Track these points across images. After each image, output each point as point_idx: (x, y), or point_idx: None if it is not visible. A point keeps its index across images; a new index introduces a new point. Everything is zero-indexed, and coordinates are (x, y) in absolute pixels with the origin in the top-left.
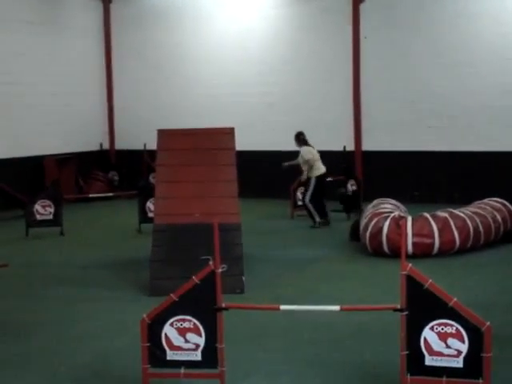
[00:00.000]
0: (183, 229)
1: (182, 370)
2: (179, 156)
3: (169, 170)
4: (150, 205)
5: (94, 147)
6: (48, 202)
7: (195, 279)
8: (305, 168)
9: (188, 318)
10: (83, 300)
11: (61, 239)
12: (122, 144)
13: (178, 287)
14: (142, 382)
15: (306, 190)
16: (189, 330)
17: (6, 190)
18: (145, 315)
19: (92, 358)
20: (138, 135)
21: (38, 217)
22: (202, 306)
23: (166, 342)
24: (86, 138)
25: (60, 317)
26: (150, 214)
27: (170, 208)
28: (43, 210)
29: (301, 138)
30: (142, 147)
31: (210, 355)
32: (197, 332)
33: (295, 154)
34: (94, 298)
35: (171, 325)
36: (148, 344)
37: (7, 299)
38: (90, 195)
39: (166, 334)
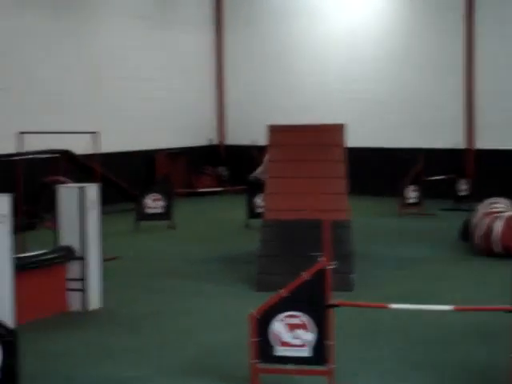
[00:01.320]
0: (292, 225)
1: (291, 366)
2: (289, 152)
3: (279, 165)
4: (258, 200)
5: (204, 142)
6: (158, 196)
7: (305, 276)
8: None
9: (297, 314)
10: (192, 293)
11: (170, 233)
12: (231, 139)
13: (285, 283)
14: (250, 377)
15: None
16: (298, 326)
17: (118, 184)
18: (254, 310)
19: (201, 351)
20: (247, 131)
21: (149, 210)
22: (312, 302)
23: (275, 338)
24: (196, 133)
25: (169, 310)
26: (258, 210)
27: (280, 204)
28: (154, 203)
29: None
30: (251, 143)
31: (320, 352)
32: (306, 328)
33: (405, 151)
34: (203, 291)
35: (280, 320)
36: (257, 339)
37: (117, 292)
38: (200, 190)
39: (274, 330)
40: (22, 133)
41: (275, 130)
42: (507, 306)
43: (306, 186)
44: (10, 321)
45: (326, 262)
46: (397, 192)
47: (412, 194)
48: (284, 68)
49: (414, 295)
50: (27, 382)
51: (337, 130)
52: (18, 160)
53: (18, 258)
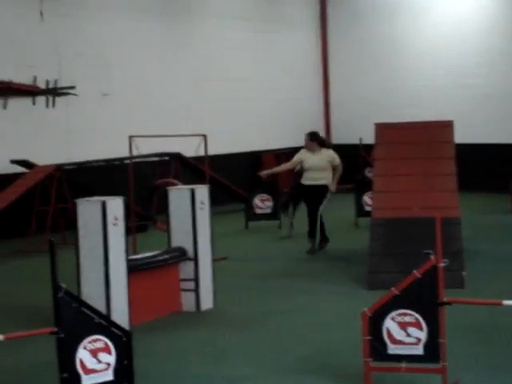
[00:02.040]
0: (402, 223)
1: (404, 364)
2: (397, 150)
3: (387, 163)
4: (366, 199)
5: None
6: (267, 196)
7: (416, 273)
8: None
9: (409, 312)
10: (302, 292)
11: (279, 232)
12: (337, 138)
13: (395, 281)
14: (363, 376)
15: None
16: (410, 324)
17: (227, 185)
18: (366, 309)
19: (312, 350)
20: (353, 129)
21: (258, 210)
22: (424, 300)
23: (388, 336)
24: (302, 133)
25: (281, 309)
26: (367, 208)
27: (389, 202)
28: (262, 204)
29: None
30: (357, 141)
31: (432, 350)
32: (418, 326)
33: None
34: (313, 290)
35: (392, 319)
36: (369, 337)
37: (229, 292)
38: None
39: (387, 328)
40: (132, 136)
41: (382, 128)
42: None
43: (415, 183)
44: (124, 322)
45: (438, 260)
46: (508, 188)
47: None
48: (390, 65)
49: None
50: (142, 382)
51: (446, 126)
52: (130, 163)
53: (132, 260)
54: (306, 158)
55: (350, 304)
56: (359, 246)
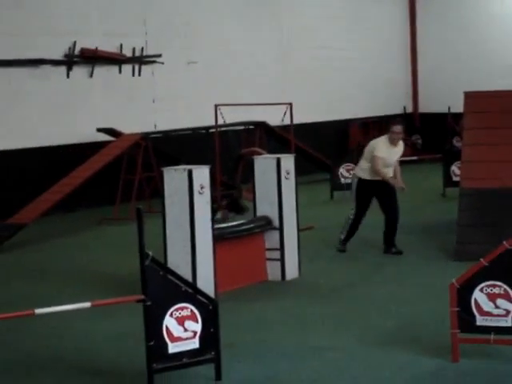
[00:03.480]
0: (491, 193)
1: (492, 336)
2: (487, 119)
3: (476, 133)
4: (454, 169)
5: (398, 111)
6: (352, 166)
7: (506, 245)
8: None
9: (498, 283)
10: (388, 263)
11: None
12: (425, 107)
13: (484, 252)
14: (451, 347)
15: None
16: (499, 295)
17: (312, 154)
18: (454, 280)
19: (399, 321)
20: (441, 98)
21: (343, 180)
22: None
23: (476, 308)
24: (390, 101)
25: (366, 280)
26: (455, 178)
27: (478, 172)
28: (348, 173)
29: None
30: (446, 110)
31: None
32: (507, 298)
33: None
34: (400, 261)
35: (481, 290)
36: (457, 309)
37: (314, 262)
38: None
39: (475, 300)
40: (218, 105)
41: (471, 97)
42: None
43: (504, 153)
44: (210, 290)
45: None
46: None
47: None
48: (478, 33)
49: None
50: (227, 351)
51: None
52: (216, 132)
53: (218, 228)
54: (388, 153)
55: (437, 275)
56: (447, 216)
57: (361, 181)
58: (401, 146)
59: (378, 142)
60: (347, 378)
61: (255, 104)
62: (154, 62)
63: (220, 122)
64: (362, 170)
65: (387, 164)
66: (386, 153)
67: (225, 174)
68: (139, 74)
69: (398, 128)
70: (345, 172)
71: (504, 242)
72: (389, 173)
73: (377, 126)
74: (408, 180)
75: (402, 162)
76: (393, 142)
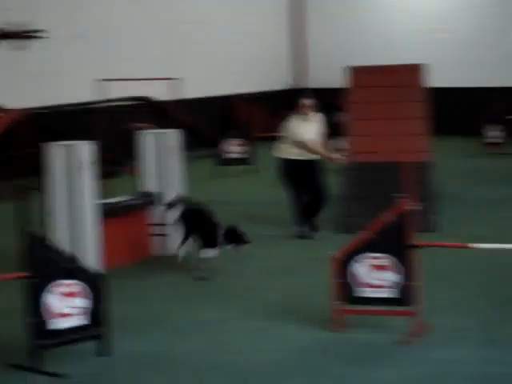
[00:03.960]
0: (374, 167)
1: (373, 307)
2: (370, 93)
3: (360, 107)
4: (339, 143)
5: (284, 85)
6: (239, 141)
7: (388, 217)
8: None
9: (380, 255)
10: (275, 237)
11: (251, 177)
12: (311, 82)
13: (368, 225)
14: (332, 318)
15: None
16: (381, 267)
17: (198, 129)
18: (337, 252)
19: (283, 294)
20: (326, 72)
21: (230, 155)
22: (394, 243)
23: (357, 279)
24: (276, 76)
25: (255, 253)
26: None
27: (362, 146)
28: (234, 148)
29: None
30: (330, 85)
31: (403, 293)
32: (389, 269)
33: (489, 90)
34: (283, 235)
35: (362, 262)
36: (340, 281)
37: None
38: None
39: (357, 271)
40: (104, 80)
41: (356, 71)
42: None
43: (386, 127)
44: (96, 266)
45: (409, 204)
46: (481, 132)
47: (496, 133)
48: (367, 7)
49: (498, 235)
50: (115, 325)
51: (417, 70)
52: (101, 107)
53: (103, 204)
54: (304, 130)
55: (322, 247)
56: (332, 190)
57: (282, 161)
58: (317, 118)
59: (290, 124)
60: (234, 350)
61: (140, 79)
62: (37, 36)
63: (107, 97)
64: (280, 150)
65: (301, 139)
66: (297, 128)
67: (110, 149)
68: (24, 49)
69: (305, 101)
70: (231, 147)
71: (385, 215)
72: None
73: (263, 101)
74: None
75: None
76: (305, 117)
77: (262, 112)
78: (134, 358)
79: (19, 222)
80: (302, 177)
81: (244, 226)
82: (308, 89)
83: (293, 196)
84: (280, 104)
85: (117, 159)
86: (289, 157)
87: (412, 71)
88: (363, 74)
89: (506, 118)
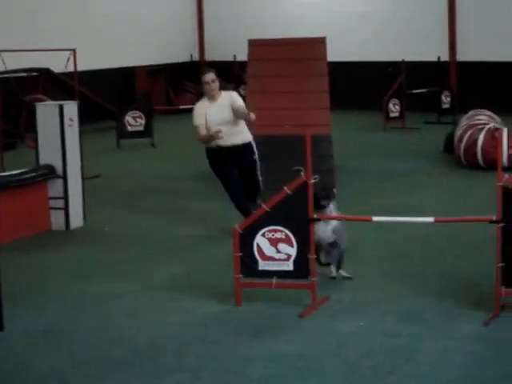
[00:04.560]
0: (274, 140)
1: (274, 280)
2: (270, 67)
3: (260, 80)
4: None
5: (185, 58)
6: (139, 114)
7: (287, 190)
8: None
9: (280, 228)
10: (174, 210)
11: (151, 150)
12: (212, 55)
13: (268, 198)
14: (234, 291)
15: (255, 167)
16: (280, 240)
17: (97, 101)
18: (237, 225)
19: (185, 266)
20: (228, 46)
21: (129, 128)
22: (294, 217)
23: (258, 252)
24: (176, 49)
25: (152, 226)
26: None
27: (261, 119)
28: (134, 121)
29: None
30: (232, 58)
31: (302, 266)
32: (288, 243)
33: (387, 64)
34: (184, 208)
35: (263, 235)
36: (240, 254)
37: (100, 210)
38: (180, 107)
39: (257, 244)
40: (0, 51)
41: (255, 45)
42: (490, 217)
43: (287, 101)
44: None
45: (308, 177)
46: (380, 106)
47: (395, 107)
48: None
49: (398, 208)
50: (9, 300)
51: (318, 43)
52: None
53: None
54: (211, 111)
55: (221, 221)
56: None
57: (206, 151)
58: (226, 95)
59: (195, 107)
60: (133, 324)
61: (38, 50)
62: None
63: (2, 68)
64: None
65: (217, 124)
66: (208, 114)
67: (7, 121)
68: None
69: (206, 77)
70: (131, 120)
71: (284, 188)
72: (230, 131)
73: (164, 73)
74: (193, 128)
75: (187, 111)
76: (211, 96)
77: (163, 84)
78: (28, 333)
79: None
80: (229, 165)
81: (143, 200)
82: (187, 63)
83: (225, 187)
84: (181, 77)
85: (14, 131)
86: (209, 146)
87: (313, 44)
88: (262, 47)
89: (406, 92)
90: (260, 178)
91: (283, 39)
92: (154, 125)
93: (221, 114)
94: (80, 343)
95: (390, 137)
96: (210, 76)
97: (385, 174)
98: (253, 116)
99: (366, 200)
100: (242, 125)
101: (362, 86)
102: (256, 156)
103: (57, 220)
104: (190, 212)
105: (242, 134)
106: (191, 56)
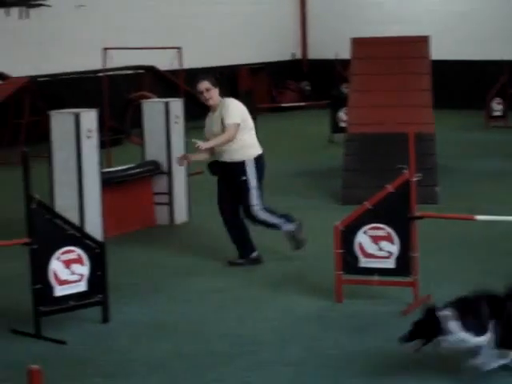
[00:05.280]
0: (376, 138)
1: (375, 277)
2: (373, 65)
3: (363, 79)
4: (341, 115)
5: (287, 57)
6: None
7: (389, 188)
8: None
9: (381, 226)
10: (277, 208)
11: None
12: (314, 53)
13: (370, 196)
14: (335, 288)
15: (244, 188)
16: (382, 238)
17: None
18: (338, 222)
19: (287, 264)
20: (330, 44)
21: None
22: (396, 214)
23: (359, 250)
24: (278, 47)
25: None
26: (342, 124)
27: (364, 117)
28: None
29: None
30: (334, 56)
31: (404, 263)
32: (390, 240)
33: (491, 63)
34: (287, 206)
35: (364, 232)
36: (341, 251)
37: (204, 206)
38: (282, 105)
39: (359, 242)
40: (107, 49)
41: (359, 43)
42: None
43: (390, 99)
44: (98, 234)
45: (411, 175)
46: (481, 105)
47: (498, 106)
48: None
49: (500, 207)
50: (114, 294)
51: (422, 41)
52: (104, 76)
53: (106, 173)
54: (208, 122)
55: (323, 218)
56: (334, 162)
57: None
58: (223, 106)
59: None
60: (233, 318)
61: (144, 48)
62: (41, 5)
63: (110, 65)
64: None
65: (212, 136)
66: (206, 125)
67: (114, 118)
68: (27, 17)
69: (199, 86)
70: None
71: (387, 186)
72: (221, 147)
73: (266, 71)
74: (296, 126)
75: (289, 109)
76: (209, 106)
77: (265, 83)
78: (133, 325)
79: (24, 189)
80: (221, 182)
81: None
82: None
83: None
84: (283, 75)
85: (121, 128)
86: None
87: (417, 43)
88: (366, 45)
89: (510, 91)
90: (254, 203)
91: (386, 38)
92: (257, 123)
93: (214, 127)
94: (183, 336)
95: (493, 136)
96: (204, 85)
97: (487, 174)
98: (202, 145)
99: (467, 199)
100: (237, 142)
101: (464, 84)
102: (247, 177)
103: (161, 215)
104: (291, 209)
105: (232, 152)
106: (293, 54)
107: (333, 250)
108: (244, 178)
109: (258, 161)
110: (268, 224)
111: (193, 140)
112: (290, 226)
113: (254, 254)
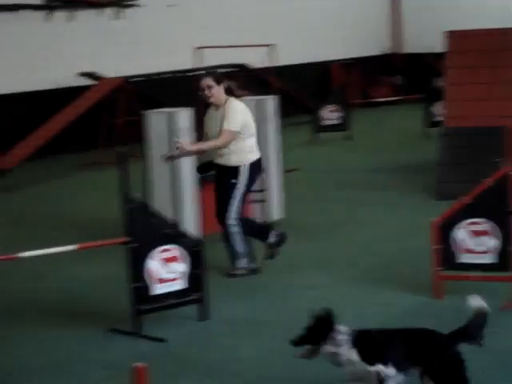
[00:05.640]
0: (473, 132)
1: (474, 273)
2: (469, 58)
3: (458, 72)
4: (435, 109)
5: (378, 51)
6: (335, 107)
7: (488, 182)
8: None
9: (480, 220)
10: (371, 203)
11: (348, 144)
12: (407, 47)
13: (465, 191)
14: (434, 284)
15: (230, 188)
16: (481, 232)
17: (294, 96)
18: (435, 218)
19: (381, 260)
20: (423, 38)
21: (325, 122)
22: (495, 209)
23: (457, 245)
24: (372, 42)
25: (349, 220)
26: (436, 118)
27: (460, 111)
28: (331, 114)
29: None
30: (428, 50)
31: (504, 258)
32: (489, 235)
33: None
34: (381, 201)
35: (463, 227)
36: (440, 246)
37: (299, 203)
38: (376, 99)
39: (457, 237)
40: (199, 48)
41: (454, 36)
42: None
43: (487, 92)
44: (195, 232)
45: (510, 168)
46: None
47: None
48: None
49: None
50: (213, 291)
51: None
52: (197, 75)
53: None
54: (208, 120)
55: (419, 214)
56: (428, 156)
57: None
58: (227, 106)
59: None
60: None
61: (236, 46)
62: (133, 5)
63: (202, 64)
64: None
65: (213, 137)
66: (207, 122)
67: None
68: (120, 18)
69: (201, 83)
70: (327, 113)
71: (485, 180)
72: (218, 149)
73: (359, 67)
74: (389, 121)
75: (382, 104)
76: (212, 104)
77: (358, 78)
78: (232, 323)
79: (121, 188)
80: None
81: (340, 192)
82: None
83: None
84: (376, 70)
85: None
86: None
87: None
88: (461, 39)
89: None
90: (233, 204)
91: (482, 30)
92: (350, 118)
93: (213, 125)
94: (279, 334)
95: None
96: (205, 82)
97: None
98: (185, 146)
99: None
100: (236, 145)
101: None
102: (238, 181)
103: (257, 212)
104: (385, 205)
105: (230, 156)
106: (384, 49)
107: (429, 246)
108: (234, 181)
109: (254, 166)
110: (231, 244)
111: (175, 139)
112: (245, 265)
113: (253, 265)
